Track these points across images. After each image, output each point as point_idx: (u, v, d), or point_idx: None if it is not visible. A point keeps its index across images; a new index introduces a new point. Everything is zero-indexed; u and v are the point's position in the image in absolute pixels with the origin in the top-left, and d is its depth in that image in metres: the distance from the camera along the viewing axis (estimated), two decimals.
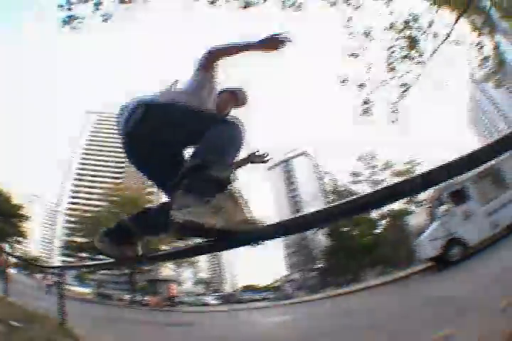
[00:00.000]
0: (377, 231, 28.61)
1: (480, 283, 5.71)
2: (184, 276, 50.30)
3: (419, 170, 27.93)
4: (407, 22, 11.02)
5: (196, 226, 1.53)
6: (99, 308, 17.92)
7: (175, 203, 1.58)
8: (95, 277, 37.92)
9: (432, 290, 7.50)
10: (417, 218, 22.55)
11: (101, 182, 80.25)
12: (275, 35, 1.92)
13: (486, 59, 11.81)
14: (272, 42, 1.93)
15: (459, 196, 11.66)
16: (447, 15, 11.18)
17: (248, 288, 63.35)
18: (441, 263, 11.31)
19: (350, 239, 26.98)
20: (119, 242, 2.22)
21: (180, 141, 1.95)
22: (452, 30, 10.97)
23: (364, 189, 29.90)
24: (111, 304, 24.19)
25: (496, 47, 11.89)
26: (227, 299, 43.95)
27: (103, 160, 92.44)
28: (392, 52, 11.27)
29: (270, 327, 9.39)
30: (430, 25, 11.05)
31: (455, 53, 11.59)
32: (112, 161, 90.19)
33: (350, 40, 11.04)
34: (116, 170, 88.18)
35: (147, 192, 39.77)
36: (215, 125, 1.76)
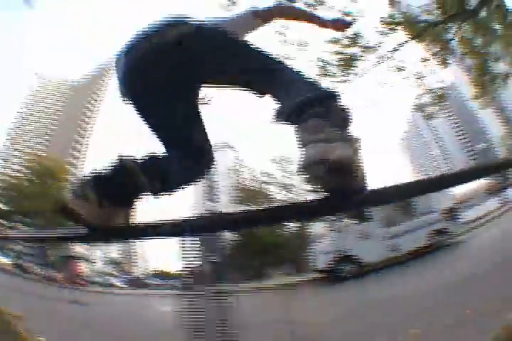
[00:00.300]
0: (285, 232, 28.62)
1: (352, 309, 6.14)
2: (96, 255, 49.21)
3: None
4: (354, 39, 10.77)
5: (349, 167, 1.08)
6: (13, 280, 17.76)
7: (309, 133, 1.13)
8: (16, 248, 35.90)
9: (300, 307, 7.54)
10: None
11: (30, 148, 75.75)
12: (346, 20, 2.00)
13: (428, 90, 11.90)
14: (341, 24, 1.93)
15: (360, 215, 11.77)
16: (401, 39, 11.24)
17: (158, 274, 62.87)
18: (333, 276, 11.33)
19: (256, 236, 26.55)
20: (116, 201, 1.38)
21: (217, 75, 1.51)
22: (394, 53, 11.09)
23: (273, 191, 30.66)
24: (25, 277, 23.70)
25: (443, 80, 12.13)
26: (135, 283, 43.71)
27: (37, 126, 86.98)
28: (323, 66, 10.98)
29: (161, 314, 9.80)
30: (377, 46, 11.05)
31: (400, 79, 11.66)
32: (43, 127, 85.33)
33: (281, 48, 10.67)
34: (44, 137, 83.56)
35: (67, 163, 38.47)
36: (285, 66, 1.40)
